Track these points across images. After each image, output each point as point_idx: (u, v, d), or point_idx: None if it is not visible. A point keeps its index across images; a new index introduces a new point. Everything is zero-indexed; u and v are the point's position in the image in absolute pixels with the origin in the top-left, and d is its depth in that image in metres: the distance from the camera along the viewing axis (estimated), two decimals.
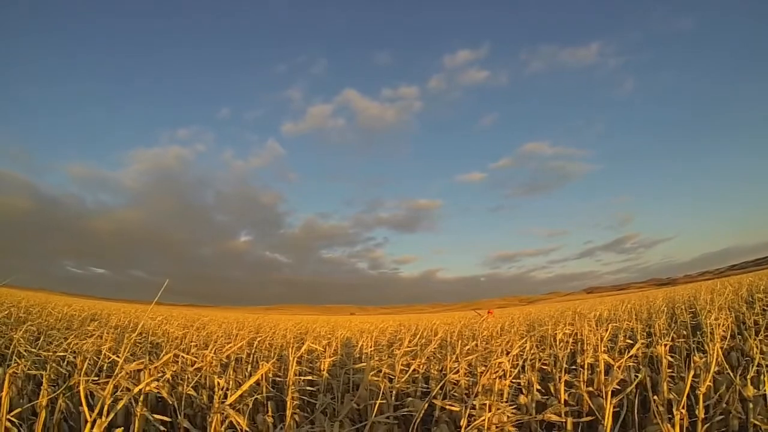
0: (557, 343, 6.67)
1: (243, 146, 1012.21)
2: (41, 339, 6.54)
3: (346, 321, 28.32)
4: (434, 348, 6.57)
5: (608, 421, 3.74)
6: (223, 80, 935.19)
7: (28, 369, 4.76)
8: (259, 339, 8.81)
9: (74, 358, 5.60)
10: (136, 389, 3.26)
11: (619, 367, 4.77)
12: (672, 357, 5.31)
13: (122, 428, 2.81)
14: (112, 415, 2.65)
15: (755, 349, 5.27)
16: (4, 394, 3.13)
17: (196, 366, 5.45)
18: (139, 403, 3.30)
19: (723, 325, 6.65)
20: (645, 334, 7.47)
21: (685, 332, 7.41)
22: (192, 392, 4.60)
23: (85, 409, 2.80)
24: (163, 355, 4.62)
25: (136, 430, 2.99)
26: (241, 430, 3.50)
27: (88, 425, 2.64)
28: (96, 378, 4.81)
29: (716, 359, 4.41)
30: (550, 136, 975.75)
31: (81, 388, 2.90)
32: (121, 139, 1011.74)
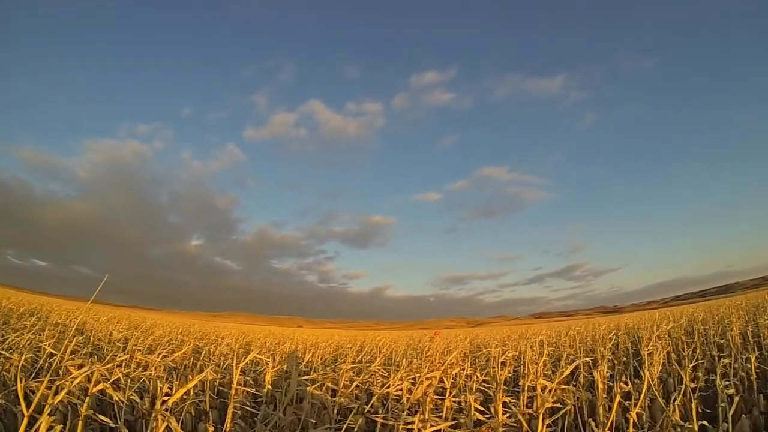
0: (499, 365, 6.78)
1: (203, 147, 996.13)
2: None
3: (293, 333, 28.20)
4: (379, 365, 6.64)
5: None
6: (188, 78, 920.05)
7: None
8: (204, 346, 8.77)
9: (10, 354, 5.49)
10: (95, 389, 3.25)
11: (554, 390, 4.91)
12: (610, 382, 5.45)
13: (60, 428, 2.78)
14: (54, 416, 2.64)
15: (686, 377, 5.47)
16: None
17: (139, 371, 5.42)
18: (85, 404, 3.28)
19: (660, 353, 6.86)
20: (586, 359, 7.67)
21: (625, 359, 7.63)
22: (135, 396, 4.57)
23: (23, 406, 2.78)
24: (109, 357, 4.60)
25: (79, 430, 2.96)
26: None
27: (24, 422, 2.62)
28: (37, 378, 4.75)
29: (647, 385, 4.57)
30: (509, 161, 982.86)
31: (19, 386, 2.87)
32: (79, 127, 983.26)
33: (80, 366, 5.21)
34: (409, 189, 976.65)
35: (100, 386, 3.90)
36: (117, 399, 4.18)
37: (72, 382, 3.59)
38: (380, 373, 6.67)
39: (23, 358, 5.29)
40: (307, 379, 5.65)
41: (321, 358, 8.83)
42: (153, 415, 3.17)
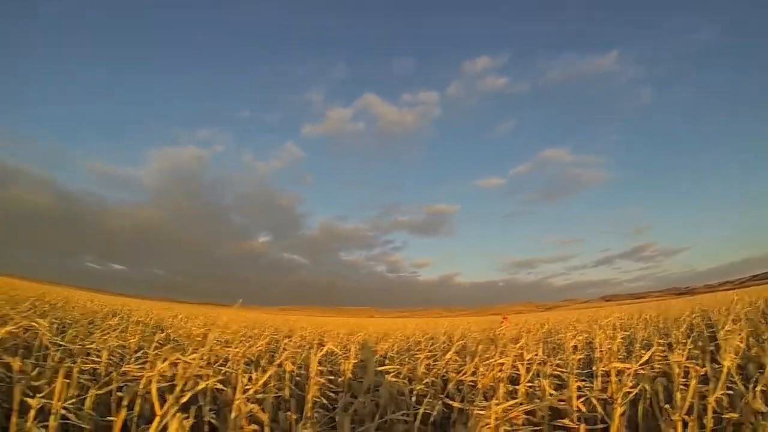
0: (571, 349, 6.74)
1: (262, 148, 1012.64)
2: (69, 331, 6.75)
3: (365, 323, 28.38)
4: (453, 352, 6.68)
5: (617, 427, 3.85)
6: (244, 81, 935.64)
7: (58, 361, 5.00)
8: (280, 339, 8.96)
9: (99, 351, 5.77)
10: (182, 381, 3.40)
11: (629, 375, 4.87)
12: (687, 367, 5.37)
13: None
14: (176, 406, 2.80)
15: None
16: (58, 384, 3.30)
17: (219, 363, 5.62)
18: (173, 395, 3.44)
19: (739, 336, 6.68)
20: (661, 343, 7.50)
21: (701, 342, 7.46)
22: (220, 386, 4.75)
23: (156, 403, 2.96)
24: (190, 352, 4.79)
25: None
26: (263, 425, 3.66)
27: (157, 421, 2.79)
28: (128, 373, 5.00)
29: (726, 370, 4.50)
30: (569, 142, 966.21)
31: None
32: (142, 137, 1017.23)
33: (165, 359, 5.47)
34: (470, 175, 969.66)
35: (186, 377, 4.09)
36: (202, 389, 4.35)
37: (158, 374, 3.80)
38: (454, 359, 6.71)
39: (107, 355, 5.57)
40: (383, 368, 5.75)
41: (395, 347, 8.91)
42: (235, 403, 3.31)
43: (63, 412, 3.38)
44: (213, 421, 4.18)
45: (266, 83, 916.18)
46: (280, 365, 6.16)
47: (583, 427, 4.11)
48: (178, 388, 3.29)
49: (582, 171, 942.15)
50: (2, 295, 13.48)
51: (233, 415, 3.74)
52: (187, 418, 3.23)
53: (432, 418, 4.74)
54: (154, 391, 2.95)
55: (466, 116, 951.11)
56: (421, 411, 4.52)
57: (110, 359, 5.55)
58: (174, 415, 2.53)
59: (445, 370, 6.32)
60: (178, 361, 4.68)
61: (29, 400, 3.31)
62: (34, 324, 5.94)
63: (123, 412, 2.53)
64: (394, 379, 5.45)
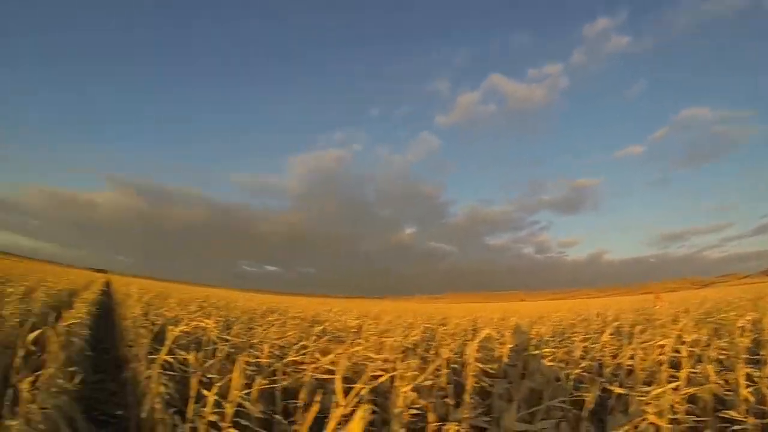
0: (738, 332, 6.34)
1: (398, 142, 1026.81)
2: (234, 328, 7.28)
3: (517, 307, 28.16)
4: (608, 334, 6.53)
5: None
6: (371, 81, 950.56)
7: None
8: (435, 327, 9.13)
9: (261, 344, 6.17)
10: (341, 371, 3.54)
11: None
12: None
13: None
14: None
15: None
16: (236, 374, 3.60)
17: (376, 353, 5.83)
18: (338, 382, 3.62)
19: None
20: None
21: None
22: (379, 372, 4.93)
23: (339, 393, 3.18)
24: (348, 343, 5.03)
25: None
26: (425, 412, 3.79)
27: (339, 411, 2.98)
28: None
29: None
30: (709, 99, 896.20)
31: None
32: (282, 146, 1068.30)
33: (326, 352, 5.78)
34: (609, 146, 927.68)
35: (345, 368, 4.30)
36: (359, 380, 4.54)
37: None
38: (610, 342, 6.56)
39: (269, 348, 5.95)
40: (538, 352, 5.74)
41: (549, 330, 8.83)
42: (394, 391, 3.41)
43: (239, 400, 3.68)
44: (376, 409, 4.36)
45: (392, 79, 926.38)
46: (436, 353, 6.31)
47: (751, 420, 3.87)
48: (362, 380, 3.45)
49: (728, 128, 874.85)
50: (173, 299, 14.75)
51: (396, 403, 3.87)
52: (376, 412, 3.43)
53: (589, 404, 4.67)
54: (338, 384, 3.13)
55: (594, 83, 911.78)
56: (578, 397, 4.48)
57: (271, 352, 5.91)
58: (357, 405, 2.68)
59: (601, 354, 6.20)
60: (346, 352, 4.94)
61: (206, 392, 3.64)
62: (202, 323, 6.45)
63: (316, 407, 2.70)
64: (550, 364, 5.42)
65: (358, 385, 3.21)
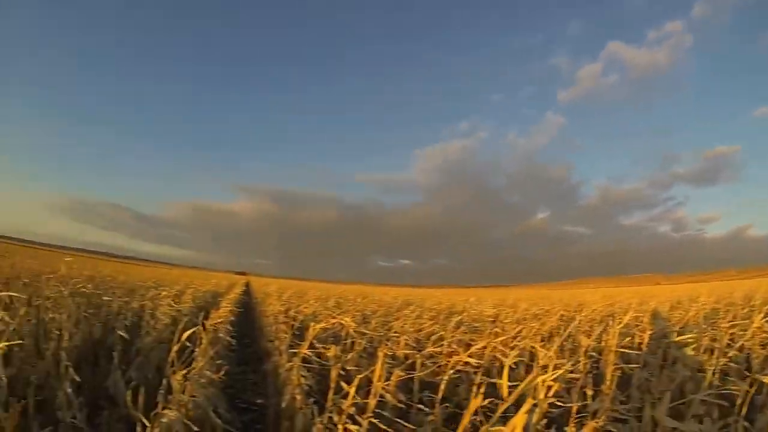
0: None
1: (523, 125, 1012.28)
2: (371, 321, 7.46)
3: (655, 291, 27.03)
4: (761, 321, 6.07)
5: None
6: (488, 67, 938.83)
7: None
8: (572, 313, 8.95)
9: (398, 337, 6.29)
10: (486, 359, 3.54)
11: None
12: None
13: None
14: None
15: None
16: (379, 366, 3.69)
17: (515, 342, 5.79)
18: (479, 374, 3.62)
19: None
20: None
21: None
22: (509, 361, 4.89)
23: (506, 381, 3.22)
24: (487, 333, 5.01)
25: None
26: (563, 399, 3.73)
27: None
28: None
29: None
30: None
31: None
32: (407, 142, 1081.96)
33: (464, 342, 5.82)
34: (746, 106, 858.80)
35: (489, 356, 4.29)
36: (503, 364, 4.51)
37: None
38: (761, 330, 6.12)
39: (406, 340, 6.05)
40: (679, 339, 5.49)
41: (691, 317, 8.41)
42: (530, 378, 3.38)
43: (381, 391, 3.78)
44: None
45: (509, 62, 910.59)
46: (575, 341, 6.19)
47: None
48: (536, 375, 3.43)
49: None
50: (311, 296, 15.30)
51: (536, 394, 3.83)
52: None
53: (737, 400, 4.30)
54: (504, 378, 3.15)
55: (722, 37, 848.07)
56: (724, 390, 4.22)
57: (408, 344, 6.01)
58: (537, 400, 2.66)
59: (751, 343, 5.80)
60: (484, 342, 4.96)
61: (345, 385, 3.77)
62: (340, 318, 6.65)
63: (479, 399, 2.72)
64: (692, 353, 5.17)
65: (528, 377, 3.20)
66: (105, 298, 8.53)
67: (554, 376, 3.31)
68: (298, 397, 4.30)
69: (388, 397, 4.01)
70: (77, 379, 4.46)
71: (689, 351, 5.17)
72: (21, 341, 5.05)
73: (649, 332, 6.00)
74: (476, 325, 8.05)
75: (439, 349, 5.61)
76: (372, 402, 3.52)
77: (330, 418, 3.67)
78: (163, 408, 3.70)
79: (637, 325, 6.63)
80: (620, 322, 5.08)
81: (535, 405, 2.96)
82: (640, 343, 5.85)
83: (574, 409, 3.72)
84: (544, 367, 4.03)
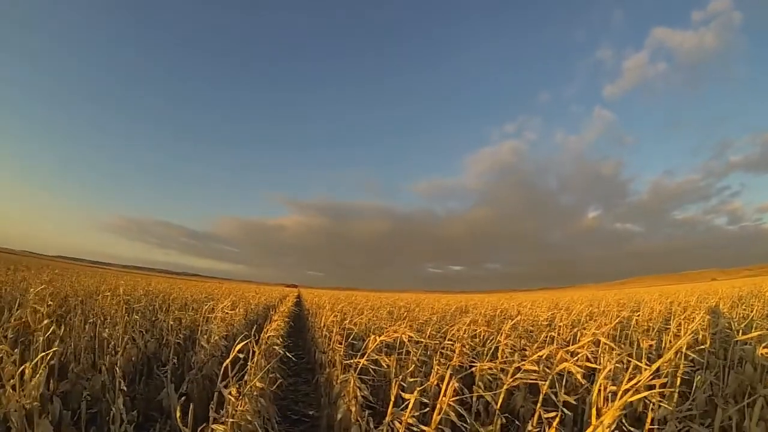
0: None
1: (571, 122, 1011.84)
2: (426, 329, 7.40)
3: (713, 287, 26.37)
4: None
5: None
6: (531, 67, 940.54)
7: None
8: (627, 315, 8.75)
9: (452, 345, 6.20)
10: (559, 368, 3.48)
11: None
12: None
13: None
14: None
15: None
16: (436, 376, 3.63)
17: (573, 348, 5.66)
18: (547, 383, 3.56)
19: None
20: None
21: None
22: (573, 368, 4.78)
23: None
24: (540, 338, 4.88)
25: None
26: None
27: None
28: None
29: None
30: None
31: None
32: (457, 148, 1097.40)
33: (520, 348, 5.71)
34: None
35: (563, 364, 4.17)
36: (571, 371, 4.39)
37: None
38: None
39: (460, 348, 5.96)
40: (748, 338, 5.27)
41: (756, 313, 8.10)
42: (595, 384, 3.29)
43: (439, 403, 3.69)
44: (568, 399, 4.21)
45: (551, 60, 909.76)
46: (632, 343, 6.02)
47: None
48: (623, 385, 3.31)
49: None
50: (363, 306, 15.32)
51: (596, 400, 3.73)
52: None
53: None
54: (595, 390, 3.04)
55: None
56: None
57: (464, 352, 5.92)
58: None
59: None
60: (540, 349, 4.85)
61: (405, 394, 3.70)
62: (394, 328, 6.62)
63: (539, 408, 2.63)
64: (764, 351, 4.94)
65: (620, 390, 3.10)
66: (159, 315, 8.69)
67: (618, 382, 3.20)
68: (353, 408, 4.26)
69: (446, 408, 3.93)
70: (126, 391, 4.55)
71: (760, 350, 4.93)
72: (77, 356, 5.21)
73: (711, 331, 5.79)
74: (531, 329, 7.94)
75: (495, 357, 5.51)
76: (434, 415, 3.45)
77: (387, 430, 3.61)
78: (214, 421, 3.69)
79: (701, 325, 6.42)
80: (685, 321, 4.91)
81: (599, 413, 2.86)
82: (702, 343, 5.64)
83: (649, 418, 3.59)
84: (606, 374, 3.93)
